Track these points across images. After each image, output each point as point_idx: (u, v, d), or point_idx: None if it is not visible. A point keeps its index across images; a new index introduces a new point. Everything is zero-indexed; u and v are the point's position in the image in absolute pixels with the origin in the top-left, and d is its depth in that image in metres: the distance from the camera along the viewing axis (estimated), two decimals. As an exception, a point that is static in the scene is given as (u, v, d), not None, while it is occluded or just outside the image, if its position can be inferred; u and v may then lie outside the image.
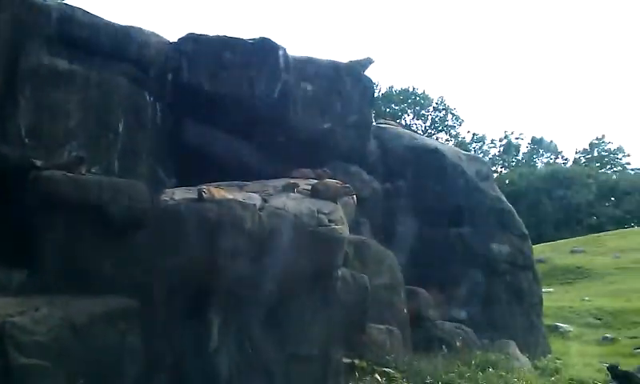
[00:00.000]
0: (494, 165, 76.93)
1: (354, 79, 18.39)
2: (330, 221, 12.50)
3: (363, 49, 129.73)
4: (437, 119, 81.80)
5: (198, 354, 11.20)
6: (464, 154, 22.31)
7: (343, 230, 12.64)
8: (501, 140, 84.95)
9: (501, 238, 19.80)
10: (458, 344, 15.84)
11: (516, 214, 21.12)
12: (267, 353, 11.73)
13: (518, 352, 17.03)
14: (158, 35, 16.04)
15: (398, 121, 50.49)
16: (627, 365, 16.67)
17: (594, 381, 15.95)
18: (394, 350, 14.11)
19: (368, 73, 19.03)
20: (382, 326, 14.37)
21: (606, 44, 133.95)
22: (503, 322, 18.66)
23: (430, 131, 77.12)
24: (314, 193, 13.39)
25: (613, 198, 67.54)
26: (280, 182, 14.02)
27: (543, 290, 22.31)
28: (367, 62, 18.94)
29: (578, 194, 64.38)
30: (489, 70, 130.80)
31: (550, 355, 19.15)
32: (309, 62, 17.54)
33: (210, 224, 11.28)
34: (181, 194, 12.12)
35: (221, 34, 16.63)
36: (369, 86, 19.42)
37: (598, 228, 57.00)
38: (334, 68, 18.05)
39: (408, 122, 76.28)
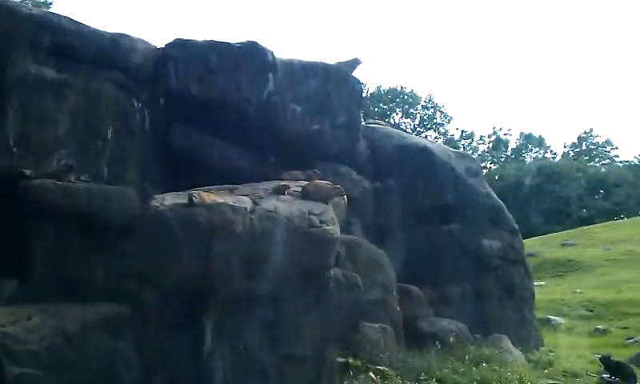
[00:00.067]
0: (484, 161, 77.26)
1: (342, 80, 18.44)
2: (321, 222, 12.54)
3: (350, 49, 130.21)
4: (425, 117, 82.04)
5: (192, 359, 11.21)
6: (453, 152, 22.42)
7: (335, 230, 12.69)
8: (489, 136, 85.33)
9: (491, 234, 19.91)
10: (451, 340, 15.94)
11: (506, 209, 21.24)
12: (261, 354, 11.76)
13: (511, 346, 17.14)
14: (145, 41, 16.00)
15: (386, 120, 50.61)
16: (619, 355, 16.84)
17: (586, 372, 16.08)
18: (387, 347, 14.19)
19: (356, 73, 19.15)
20: (375, 325, 14.45)
21: (593, 38, 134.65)
22: (495, 317, 18.76)
23: (418, 129, 77.37)
24: (305, 194, 13.42)
25: (602, 191, 67.96)
26: (270, 185, 14.04)
27: (535, 283, 22.47)
28: (355, 63, 19.01)
29: (567, 188, 64.75)
30: (476, 67, 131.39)
31: (542, 348, 19.30)
32: (297, 64, 17.55)
33: (200, 228, 11.29)
34: (171, 199, 12.10)
35: (208, 38, 16.65)
36: (357, 86, 19.50)
37: (588, 221, 57.39)
38: (322, 69, 18.08)
39: (397, 121, 76.50)
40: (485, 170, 62.50)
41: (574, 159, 78.38)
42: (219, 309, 11.51)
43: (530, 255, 31.32)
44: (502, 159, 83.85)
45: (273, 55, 16.78)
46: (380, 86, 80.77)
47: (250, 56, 16.51)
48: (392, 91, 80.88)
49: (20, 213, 12.06)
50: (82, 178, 13.44)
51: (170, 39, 16.43)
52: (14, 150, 13.00)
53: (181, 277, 11.15)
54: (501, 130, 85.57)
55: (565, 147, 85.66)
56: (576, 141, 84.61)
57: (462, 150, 65.28)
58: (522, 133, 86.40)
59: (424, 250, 18.50)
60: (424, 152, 20.32)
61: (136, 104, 15.18)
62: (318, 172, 15.58)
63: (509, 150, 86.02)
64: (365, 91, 64.84)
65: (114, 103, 14.65)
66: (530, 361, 16.96)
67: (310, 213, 12.59)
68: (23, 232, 11.96)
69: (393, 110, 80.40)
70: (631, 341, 20.57)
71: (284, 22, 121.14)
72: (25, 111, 13.21)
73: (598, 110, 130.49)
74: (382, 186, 19.25)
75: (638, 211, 60.67)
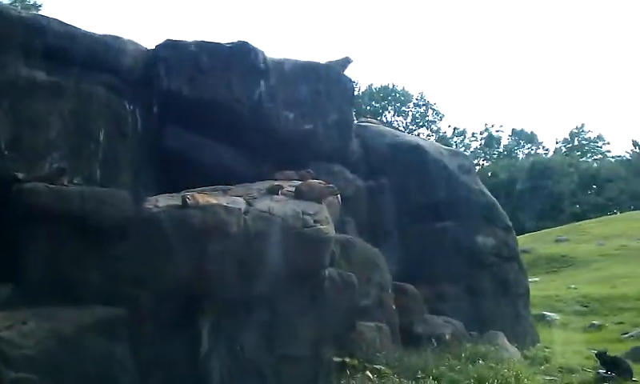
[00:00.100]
0: (476, 158, 77.45)
1: (334, 79, 18.43)
2: (315, 221, 12.55)
3: (341, 48, 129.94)
4: (417, 115, 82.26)
5: (189, 360, 11.19)
6: (445, 149, 22.46)
7: (329, 229, 12.70)
8: (481, 133, 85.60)
9: (485, 231, 19.94)
10: (447, 338, 15.94)
11: (499, 206, 21.27)
12: (258, 355, 11.76)
13: (506, 343, 17.14)
14: (135, 43, 15.93)
15: (378, 118, 50.68)
16: (615, 350, 16.83)
17: (583, 368, 16.08)
18: (384, 346, 14.18)
19: (347, 72, 19.13)
20: (371, 324, 14.44)
21: (582, 34, 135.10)
22: (491, 314, 18.76)
23: (411, 127, 77.55)
24: (298, 194, 13.41)
25: (594, 186, 68.24)
26: (264, 185, 14.02)
27: (529, 279, 22.47)
28: (346, 62, 19.01)
29: (559, 184, 64.98)
30: (468, 64, 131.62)
31: (538, 344, 19.33)
32: (288, 63, 17.51)
33: (194, 230, 11.26)
34: (164, 200, 12.06)
35: (198, 39, 16.59)
36: (348, 85, 19.49)
37: (581, 216, 57.65)
38: (314, 69, 18.07)
39: (389, 119, 76.66)
40: (477, 167, 62.61)
41: (566, 155, 78.68)
42: (215, 310, 11.49)
43: (524, 251, 31.34)
44: (495, 156, 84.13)
45: (263, 55, 16.74)
46: (372, 85, 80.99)
47: (241, 56, 16.46)
48: (384, 89, 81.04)
49: (13, 216, 11.97)
50: (75, 181, 13.35)
51: (159, 40, 16.42)
52: (6, 153, 12.90)
53: (175, 278, 11.12)
54: (492, 126, 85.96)
55: (557, 143, 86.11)
56: (568, 136, 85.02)
57: (454, 147, 65.71)
58: (513, 129, 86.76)
59: (418, 248, 18.55)
60: (417, 150, 20.35)
61: (127, 106, 15.10)
62: (312, 172, 15.58)
63: (501, 146, 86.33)
64: (356, 90, 64.85)
65: (105, 106, 14.58)
66: (526, 357, 16.98)
67: (303, 212, 12.59)
68: (16, 236, 11.88)
69: (385, 108, 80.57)
70: (626, 336, 20.58)
71: (274, 22, 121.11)
72: (16, 114, 13.12)
73: (589, 105, 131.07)
74: (375, 184, 19.26)
75: (631, 206, 60.96)
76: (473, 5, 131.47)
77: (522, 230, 40.10)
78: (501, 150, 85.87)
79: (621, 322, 22.99)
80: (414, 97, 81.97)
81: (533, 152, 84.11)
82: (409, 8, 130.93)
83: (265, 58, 16.74)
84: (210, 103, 15.88)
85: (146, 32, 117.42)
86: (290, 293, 12.18)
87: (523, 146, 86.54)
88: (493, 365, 14.10)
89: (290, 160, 15.96)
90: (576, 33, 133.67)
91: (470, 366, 13.99)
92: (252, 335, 11.76)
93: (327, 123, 17.94)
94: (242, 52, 16.49)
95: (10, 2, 32.31)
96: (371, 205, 18.78)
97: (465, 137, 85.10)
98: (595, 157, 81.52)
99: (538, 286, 29.70)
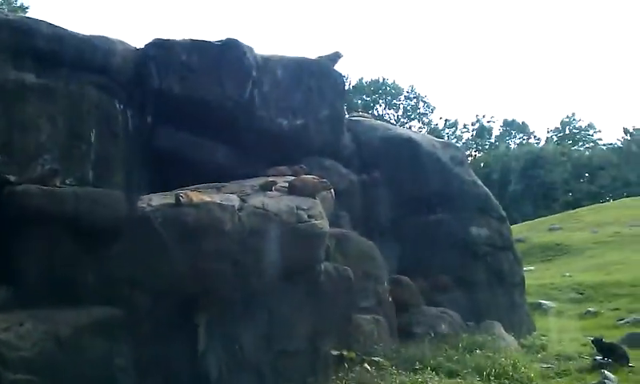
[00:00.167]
0: (468, 149, 77.71)
1: (324, 74, 18.40)
2: (309, 216, 12.56)
3: (331, 42, 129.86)
4: (409, 108, 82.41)
5: (187, 358, 11.19)
6: (438, 142, 22.50)
7: (323, 224, 12.72)
8: (473, 124, 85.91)
9: (479, 222, 19.97)
10: (443, 328, 15.97)
11: (493, 197, 21.33)
12: (255, 351, 11.77)
13: (503, 332, 17.20)
14: (123, 42, 15.85)
15: (370, 112, 50.66)
16: (611, 337, 16.91)
17: (579, 355, 16.15)
18: (381, 338, 14.22)
19: (337, 66, 19.10)
20: (368, 316, 14.46)
21: (572, 23, 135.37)
22: (487, 304, 18.80)
23: (402, 120, 77.69)
24: (292, 190, 13.41)
25: (587, 174, 68.52)
26: (257, 182, 14.01)
27: (524, 268, 22.53)
28: (336, 57, 18.98)
29: (552, 173, 65.19)
30: (458, 56, 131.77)
31: (535, 333, 19.41)
32: (278, 59, 17.48)
33: (189, 228, 11.24)
34: (158, 199, 12.03)
35: (187, 37, 16.55)
36: (339, 79, 19.48)
37: (574, 204, 57.85)
38: (304, 64, 18.05)
39: (380, 113, 76.79)
40: (470, 158, 62.81)
41: (558, 144, 78.95)
42: (211, 307, 11.48)
43: (519, 241, 31.47)
44: (487, 147, 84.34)
45: (253, 51, 16.69)
46: (362, 78, 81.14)
47: (231, 54, 16.40)
48: (374, 83, 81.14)
49: (6, 219, 11.94)
50: (68, 182, 13.29)
51: (148, 40, 16.36)
52: (-3, 156, 12.86)
53: (171, 277, 11.10)
54: (484, 117, 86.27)
55: (548, 132, 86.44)
56: (559, 126, 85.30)
57: (446, 139, 65.86)
58: (505, 120, 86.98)
59: (413, 241, 18.58)
60: (409, 143, 20.35)
61: (118, 106, 15.04)
62: (304, 167, 15.59)
63: (493, 137, 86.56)
64: (347, 84, 64.92)
65: (95, 106, 14.50)
66: (523, 346, 17.06)
67: (298, 208, 12.60)
68: (10, 238, 11.84)
69: (376, 102, 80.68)
70: (622, 322, 20.67)
71: (264, 18, 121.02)
72: (6, 117, 13.03)
73: (580, 94, 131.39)
74: (368, 178, 19.24)
75: (624, 193, 61.16)
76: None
77: (516, 219, 40.21)
78: (492, 140, 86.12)
79: (616, 309, 23.08)
80: (405, 90, 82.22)
81: (525, 142, 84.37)
82: (398, 1, 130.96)
83: (255, 56, 16.69)
84: (201, 101, 15.83)
85: (132, 32, 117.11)
86: (286, 288, 12.20)
87: (515, 136, 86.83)
88: (490, 354, 14.17)
89: (282, 156, 15.95)
90: (565, 22, 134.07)
91: (468, 356, 14.05)
92: (249, 331, 11.76)
93: (319, 118, 17.93)
94: (232, 50, 16.43)
95: (-3, 5, 32.14)
96: (365, 199, 18.77)
97: (456, 128, 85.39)
98: (587, 145, 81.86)
99: (533, 274, 29.81)
